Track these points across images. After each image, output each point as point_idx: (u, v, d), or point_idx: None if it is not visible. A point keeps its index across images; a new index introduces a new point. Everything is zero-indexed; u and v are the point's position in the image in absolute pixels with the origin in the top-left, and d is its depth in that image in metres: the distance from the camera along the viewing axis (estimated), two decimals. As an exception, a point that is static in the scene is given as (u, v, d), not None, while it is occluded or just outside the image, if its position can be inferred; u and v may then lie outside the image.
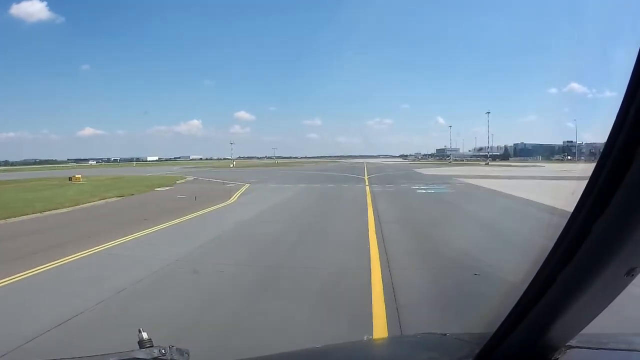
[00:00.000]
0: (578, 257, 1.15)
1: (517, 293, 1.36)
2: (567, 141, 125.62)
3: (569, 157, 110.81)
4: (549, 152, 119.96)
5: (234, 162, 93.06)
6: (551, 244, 1.22)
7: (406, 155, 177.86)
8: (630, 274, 1.17)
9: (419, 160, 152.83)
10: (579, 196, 1.12)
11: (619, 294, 1.24)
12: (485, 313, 2.20)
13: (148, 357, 1.45)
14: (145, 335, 1.59)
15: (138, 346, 1.55)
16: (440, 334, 2.11)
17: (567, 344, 1.43)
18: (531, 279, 1.31)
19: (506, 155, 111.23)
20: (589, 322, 1.36)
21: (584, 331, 1.40)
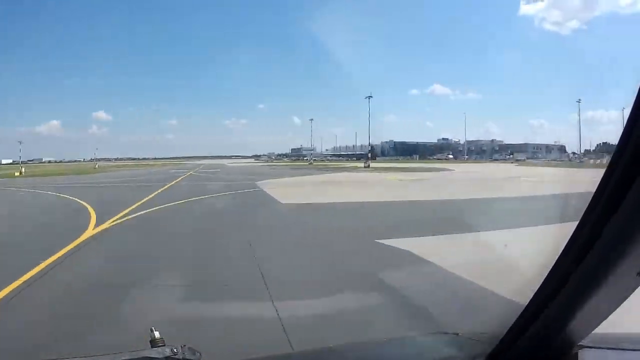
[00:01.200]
0: (589, 259, 1.15)
1: (529, 293, 1.36)
2: (442, 139, 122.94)
3: (451, 156, 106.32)
4: (425, 151, 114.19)
5: (22, 168, 62.06)
6: (562, 246, 1.22)
7: (259, 156, 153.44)
8: None
9: (272, 160, 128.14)
10: (589, 200, 1.12)
11: (631, 294, 1.24)
12: (498, 313, 2.19)
13: (160, 356, 1.45)
14: (157, 334, 1.60)
15: (150, 345, 1.56)
16: (453, 333, 2.10)
17: (580, 343, 1.42)
18: (543, 279, 1.31)
19: (373, 154, 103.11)
20: (602, 322, 1.36)
21: (596, 331, 1.39)
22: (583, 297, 1.25)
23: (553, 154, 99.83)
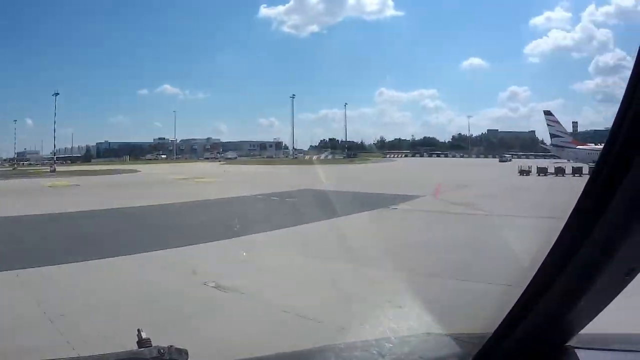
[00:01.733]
0: (577, 257, 1.15)
1: (516, 293, 1.36)
2: (159, 138, 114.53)
3: (164, 155, 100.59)
4: (141, 151, 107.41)
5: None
6: (550, 245, 1.22)
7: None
8: (629, 274, 1.17)
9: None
10: (577, 198, 1.13)
11: (618, 293, 1.25)
12: (485, 313, 2.20)
13: (147, 357, 1.44)
14: (144, 334, 1.59)
15: (137, 346, 1.55)
16: (440, 334, 2.11)
17: (567, 344, 1.43)
18: (530, 280, 1.31)
19: (88, 156, 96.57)
20: (589, 322, 1.36)
21: (583, 331, 1.40)
22: (570, 297, 1.25)
23: (269, 150, 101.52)
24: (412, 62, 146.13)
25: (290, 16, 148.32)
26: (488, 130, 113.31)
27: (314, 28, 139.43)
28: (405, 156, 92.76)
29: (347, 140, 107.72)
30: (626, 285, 1.21)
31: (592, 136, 77.53)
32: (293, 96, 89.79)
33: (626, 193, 1.01)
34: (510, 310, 1.39)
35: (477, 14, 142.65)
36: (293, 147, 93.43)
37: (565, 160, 46.62)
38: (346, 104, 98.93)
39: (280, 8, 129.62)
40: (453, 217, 15.64)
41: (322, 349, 2.07)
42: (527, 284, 1.32)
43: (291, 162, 70.04)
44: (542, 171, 39.03)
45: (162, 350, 1.47)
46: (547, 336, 1.37)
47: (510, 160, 69.05)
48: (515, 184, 29.31)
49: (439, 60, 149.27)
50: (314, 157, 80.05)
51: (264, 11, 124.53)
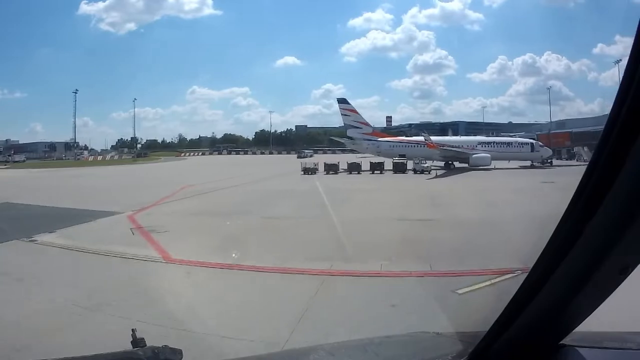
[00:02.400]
0: (571, 256, 1.16)
1: (511, 292, 1.36)
2: None
3: None
4: None
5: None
6: (544, 244, 1.23)
7: None
8: (623, 272, 1.18)
9: None
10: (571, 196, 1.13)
11: (612, 292, 1.25)
12: (479, 312, 2.20)
13: (142, 357, 1.44)
14: (138, 334, 1.59)
15: (131, 346, 1.55)
16: (435, 333, 2.11)
17: (561, 342, 1.44)
18: (524, 279, 1.32)
19: None
20: (583, 321, 1.37)
21: (577, 329, 1.41)
22: (565, 296, 1.25)
23: (59, 151, 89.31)
24: (226, 60, 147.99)
25: (110, 13, 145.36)
26: (296, 126, 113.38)
27: (132, 26, 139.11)
28: (203, 154, 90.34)
29: (151, 139, 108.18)
30: (620, 283, 1.21)
31: (407, 130, 75.72)
32: (76, 91, 79.83)
33: (619, 191, 1.02)
34: (505, 309, 1.39)
35: (295, 14, 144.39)
36: (75, 148, 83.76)
37: (372, 155, 43.14)
38: (135, 99, 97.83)
39: (100, 5, 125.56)
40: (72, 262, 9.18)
41: (321, 348, 2.07)
42: (520, 284, 1.32)
43: (63, 163, 61.71)
44: (331, 169, 34.52)
45: (156, 350, 1.47)
46: (541, 334, 1.38)
47: (310, 155, 64.17)
48: (281, 187, 24.51)
49: (253, 59, 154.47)
50: (99, 158, 74.29)
51: (84, 8, 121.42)
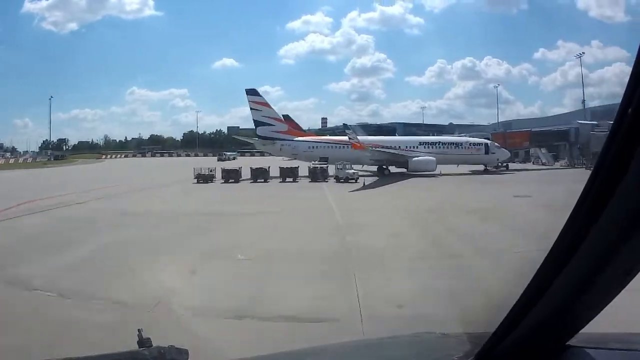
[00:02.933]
0: (576, 258, 1.16)
1: (517, 293, 1.36)
2: None
3: None
4: None
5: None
6: (550, 244, 1.22)
7: None
8: (628, 273, 1.18)
9: None
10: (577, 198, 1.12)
11: (617, 293, 1.25)
12: (485, 312, 2.20)
13: (148, 357, 1.45)
14: (144, 335, 1.59)
15: (137, 346, 1.55)
16: (441, 333, 2.11)
17: (567, 343, 1.43)
18: (530, 280, 1.31)
19: None
20: (588, 322, 1.37)
21: (583, 330, 1.40)
22: (570, 296, 1.25)
23: None
24: (166, 61, 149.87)
25: (52, 12, 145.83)
26: (228, 127, 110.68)
27: (74, 26, 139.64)
28: (126, 156, 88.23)
29: (82, 140, 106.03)
30: (626, 284, 1.21)
31: (343, 130, 67.77)
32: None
33: (624, 194, 1.01)
34: (511, 310, 1.39)
35: (235, 16, 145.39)
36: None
37: (290, 158, 36.52)
38: (52, 97, 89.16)
39: (44, 3, 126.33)
40: None
41: (322, 348, 2.08)
42: (526, 285, 1.32)
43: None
44: (231, 176, 28.17)
45: (162, 350, 1.47)
46: (547, 335, 1.38)
47: (234, 158, 59.18)
48: (139, 207, 18.09)
49: (192, 60, 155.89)
50: (11, 160, 68.97)
51: (28, 6, 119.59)
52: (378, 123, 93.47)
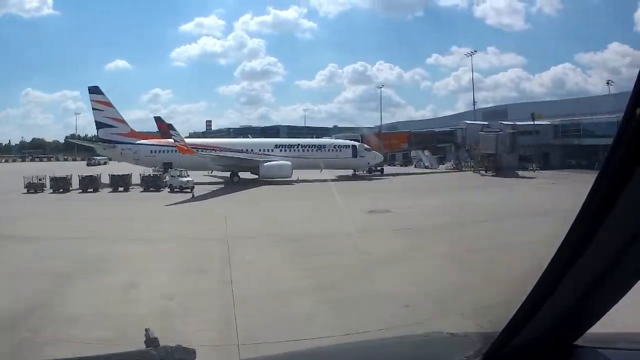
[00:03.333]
0: (584, 258, 1.15)
1: (524, 292, 1.36)
2: None
3: None
4: None
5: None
6: (557, 245, 1.22)
7: None
8: (635, 274, 1.17)
9: None
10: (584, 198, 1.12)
11: (625, 293, 1.24)
12: (493, 312, 2.20)
13: (155, 357, 1.46)
14: (152, 334, 1.60)
15: (145, 345, 1.56)
16: (449, 333, 2.11)
17: (575, 343, 1.43)
18: (537, 280, 1.31)
19: None
20: (596, 322, 1.36)
21: (590, 330, 1.40)
22: (578, 297, 1.25)
23: None
24: (60, 62, 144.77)
25: None
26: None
27: None
28: (7, 161, 79.81)
29: None
30: (633, 285, 1.21)
31: (226, 135, 67.34)
32: None
33: (633, 193, 1.01)
34: (519, 310, 1.39)
35: (129, 17, 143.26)
36: None
37: (133, 163, 31.64)
38: None
39: None
40: None
41: (323, 349, 2.08)
42: (534, 285, 1.32)
43: None
44: (60, 185, 24.92)
45: (169, 350, 1.48)
46: (554, 335, 1.37)
47: (105, 163, 49.71)
48: None
49: (86, 61, 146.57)
50: None
51: None
52: (262, 126, 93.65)
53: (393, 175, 35.23)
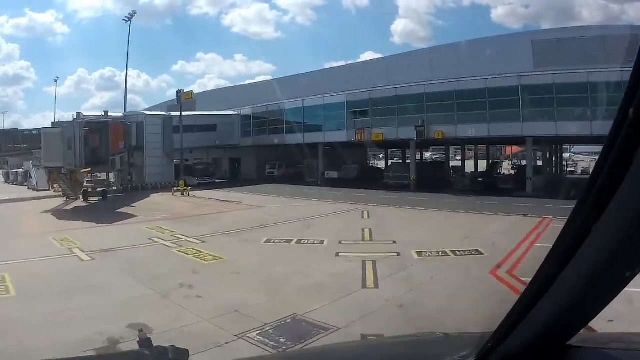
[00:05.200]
0: (578, 256, 1.15)
1: (517, 293, 1.36)
2: None
3: None
4: None
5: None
6: (551, 244, 1.22)
7: None
8: (630, 273, 1.17)
9: None
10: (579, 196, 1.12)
11: (618, 293, 1.24)
12: (486, 312, 2.20)
13: (148, 357, 1.45)
14: (145, 335, 1.60)
15: (138, 346, 1.56)
16: (442, 333, 2.11)
17: (567, 343, 1.43)
18: (531, 279, 1.31)
19: None
20: (589, 322, 1.36)
21: (584, 330, 1.40)
22: (571, 296, 1.25)
23: None
24: None
25: None
26: None
27: None
28: None
29: None
30: (627, 284, 1.21)
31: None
32: None
33: (627, 192, 1.01)
34: (511, 310, 1.39)
35: None
36: None
37: None
38: None
39: None
40: None
41: (323, 349, 2.08)
42: (527, 284, 1.32)
43: None
44: None
45: (162, 350, 1.47)
46: (548, 335, 1.37)
47: None
48: None
49: None
50: None
51: None
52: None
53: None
